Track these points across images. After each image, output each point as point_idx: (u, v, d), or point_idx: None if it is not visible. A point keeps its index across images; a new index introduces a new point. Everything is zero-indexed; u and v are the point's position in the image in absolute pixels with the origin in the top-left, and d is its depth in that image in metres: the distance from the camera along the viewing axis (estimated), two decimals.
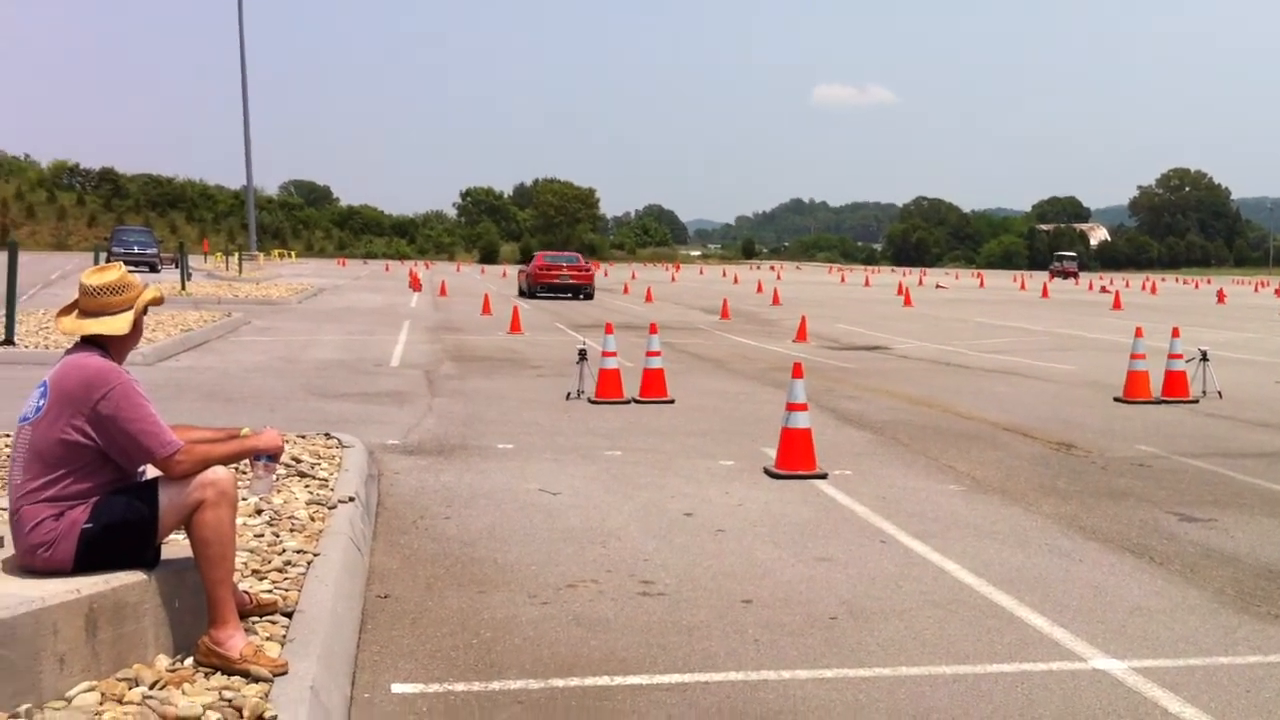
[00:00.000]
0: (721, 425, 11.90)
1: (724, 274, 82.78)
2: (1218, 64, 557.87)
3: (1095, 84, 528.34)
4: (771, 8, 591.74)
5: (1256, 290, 65.87)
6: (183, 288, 33.98)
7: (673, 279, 66.92)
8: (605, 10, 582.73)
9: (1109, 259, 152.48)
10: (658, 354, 13.76)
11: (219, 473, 4.43)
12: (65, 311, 4.61)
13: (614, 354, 13.55)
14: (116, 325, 4.51)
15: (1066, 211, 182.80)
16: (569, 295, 39.63)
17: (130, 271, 4.74)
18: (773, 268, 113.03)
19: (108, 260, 46.52)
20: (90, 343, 4.52)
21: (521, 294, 41.05)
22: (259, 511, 6.55)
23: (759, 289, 49.40)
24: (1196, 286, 74.44)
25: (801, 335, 23.36)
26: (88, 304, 4.53)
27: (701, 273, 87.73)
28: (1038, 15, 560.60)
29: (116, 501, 4.35)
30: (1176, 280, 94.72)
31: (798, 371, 9.70)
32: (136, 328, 4.58)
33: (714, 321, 29.00)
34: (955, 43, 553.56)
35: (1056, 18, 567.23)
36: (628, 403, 13.22)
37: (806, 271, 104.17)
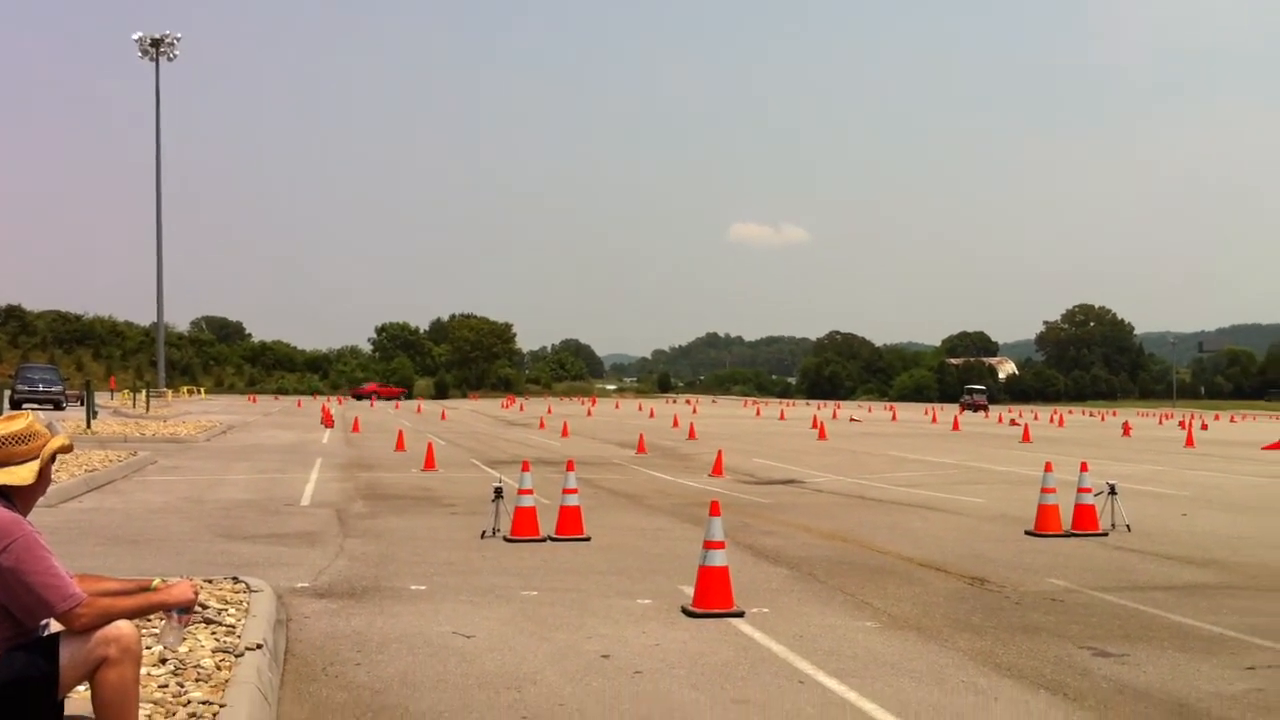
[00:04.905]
0: (638, 563, 11.85)
1: (640, 408, 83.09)
2: (1120, 201, 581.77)
3: (1002, 221, 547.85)
4: (689, 149, 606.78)
5: (1161, 423, 67.52)
6: (88, 426, 33.29)
7: (589, 413, 66.99)
8: (521, 146, 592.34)
9: (1017, 392, 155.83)
10: (574, 491, 13.72)
11: (122, 628, 4.32)
12: None
13: (530, 491, 13.46)
14: (21, 475, 4.43)
15: (975, 346, 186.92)
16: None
17: (36, 413, 4.67)
18: (688, 401, 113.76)
19: (11, 398, 45.77)
20: None
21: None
22: (163, 661, 6.36)
23: (675, 423, 49.59)
24: (1103, 419, 76.16)
25: (718, 470, 23.44)
26: None
27: (617, 406, 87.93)
28: (946, 154, 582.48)
29: (16, 658, 4.22)
30: (1083, 413, 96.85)
31: (715, 510, 9.73)
32: (43, 477, 4.50)
33: (630, 456, 29.00)
34: (866, 184, 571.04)
35: (963, 155, 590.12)
36: (544, 540, 13.12)
37: (722, 405, 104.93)
